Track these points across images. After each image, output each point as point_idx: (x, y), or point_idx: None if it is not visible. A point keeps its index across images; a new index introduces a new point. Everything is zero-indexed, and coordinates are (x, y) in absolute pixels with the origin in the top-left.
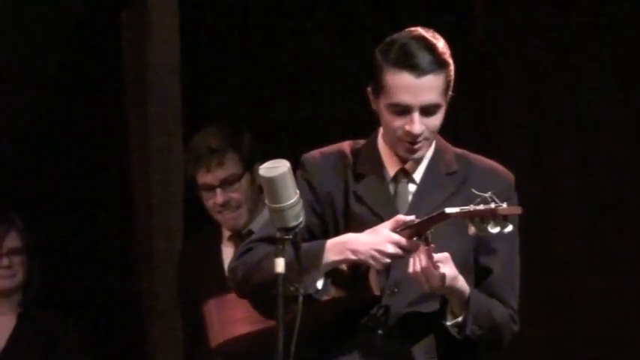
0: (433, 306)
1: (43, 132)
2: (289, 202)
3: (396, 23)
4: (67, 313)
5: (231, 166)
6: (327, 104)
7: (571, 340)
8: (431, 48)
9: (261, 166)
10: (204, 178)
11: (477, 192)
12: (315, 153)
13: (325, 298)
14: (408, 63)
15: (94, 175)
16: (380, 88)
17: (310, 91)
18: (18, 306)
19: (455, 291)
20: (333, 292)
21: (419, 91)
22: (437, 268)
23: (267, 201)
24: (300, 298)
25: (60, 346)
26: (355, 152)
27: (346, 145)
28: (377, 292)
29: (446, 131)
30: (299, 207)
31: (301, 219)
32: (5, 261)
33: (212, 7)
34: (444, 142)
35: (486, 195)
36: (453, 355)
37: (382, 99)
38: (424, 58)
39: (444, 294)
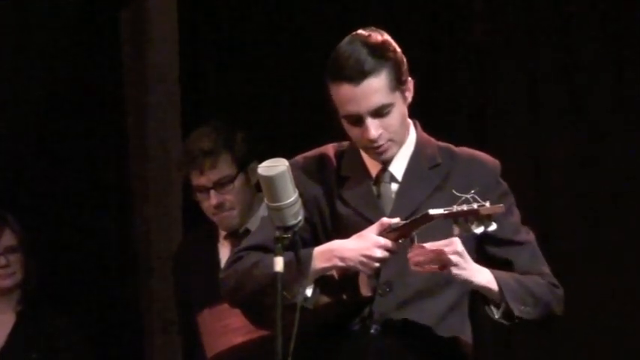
0: (425, 304)
1: (43, 131)
2: (288, 201)
3: (396, 23)
4: (66, 313)
5: (224, 168)
6: (327, 104)
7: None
8: (365, 50)
9: (259, 165)
10: (198, 180)
11: (457, 193)
12: (299, 158)
13: (314, 306)
14: (343, 74)
15: (94, 175)
16: (333, 103)
17: (310, 91)
18: (17, 304)
19: (476, 270)
20: (324, 299)
21: (361, 98)
22: (442, 253)
23: (266, 200)
24: (300, 298)
25: (59, 345)
26: (338, 155)
27: (330, 148)
28: (368, 294)
29: (445, 131)
30: (298, 205)
31: (300, 217)
32: (3, 260)
33: (211, 7)
34: (426, 136)
35: (468, 196)
36: (446, 353)
37: (339, 112)
38: (358, 63)
39: (470, 279)
